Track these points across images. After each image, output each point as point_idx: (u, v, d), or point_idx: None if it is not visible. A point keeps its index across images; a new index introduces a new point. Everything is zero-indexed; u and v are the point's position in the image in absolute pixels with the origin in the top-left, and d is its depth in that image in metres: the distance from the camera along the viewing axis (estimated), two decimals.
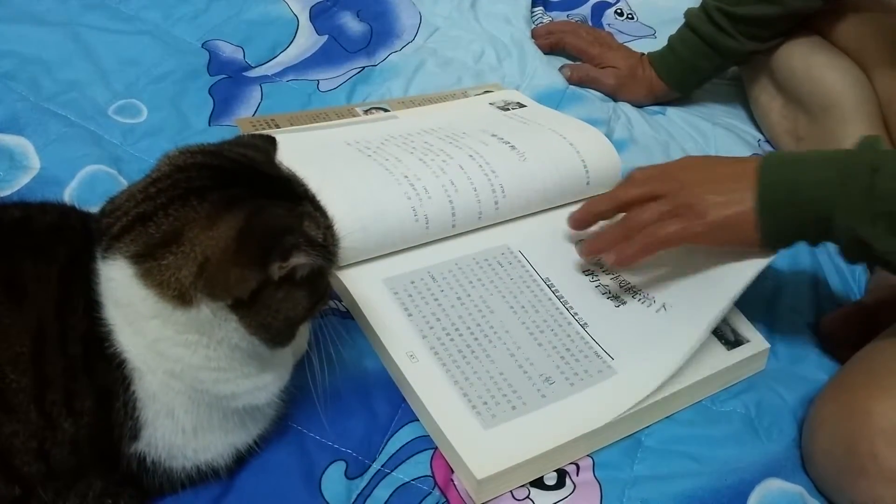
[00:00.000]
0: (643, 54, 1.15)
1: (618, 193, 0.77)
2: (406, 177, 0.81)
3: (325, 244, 0.55)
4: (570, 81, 1.14)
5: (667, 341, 0.74)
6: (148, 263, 0.51)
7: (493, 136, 0.90)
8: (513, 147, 0.88)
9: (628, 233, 0.74)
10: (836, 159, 0.69)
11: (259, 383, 0.57)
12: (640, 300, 0.78)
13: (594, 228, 0.80)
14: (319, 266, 0.54)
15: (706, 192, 0.71)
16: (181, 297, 0.51)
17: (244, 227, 0.51)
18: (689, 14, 1.10)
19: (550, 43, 1.21)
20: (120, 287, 0.52)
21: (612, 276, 0.80)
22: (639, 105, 1.14)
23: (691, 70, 1.11)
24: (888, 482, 0.62)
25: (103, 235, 0.53)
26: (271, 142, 0.61)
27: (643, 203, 0.74)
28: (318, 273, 0.55)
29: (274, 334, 0.54)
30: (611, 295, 0.79)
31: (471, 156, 0.85)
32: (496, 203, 0.84)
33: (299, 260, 0.52)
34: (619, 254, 0.74)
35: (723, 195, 0.71)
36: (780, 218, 0.70)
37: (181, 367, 0.53)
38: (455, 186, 0.82)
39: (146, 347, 0.53)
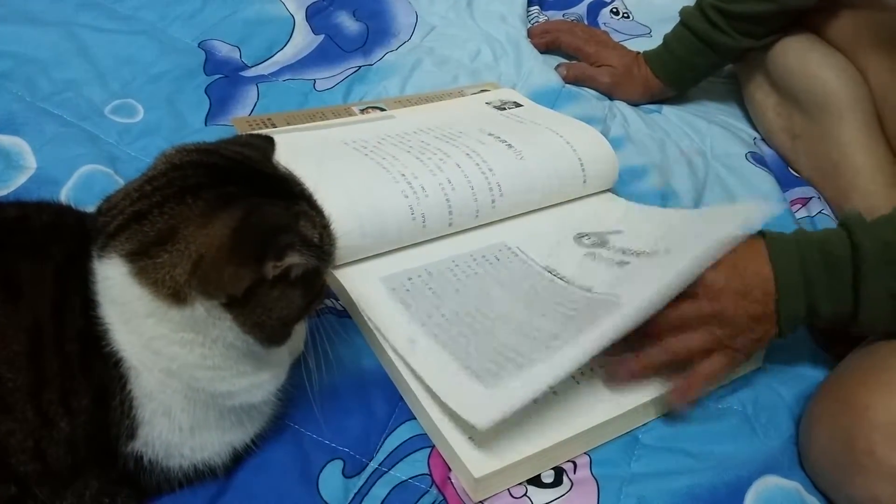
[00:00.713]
0: (639, 53, 1.16)
1: (679, 351, 0.70)
2: (403, 175, 0.81)
3: (320, 244, 0.55)
4: (566, 80, 1.14)
5: None
6: (143, 261, 0.51)
7: (490, 134, 0.90)
8: (510, 146, 0.88)
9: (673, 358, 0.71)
10: (842, 273, 0.68)
11: (255, 382, 0.57)
12: None
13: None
14: (315, 266, 0.54)
15: (746, 331, 0.70)
16: (176, 296, 0.51)
17: (239, 226, 0.51)
18: (684, 12, 1.10)
19: (546, 42, 1.21)
20: (116, 285, 0.52)
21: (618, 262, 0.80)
22: (634, 103, 1.14)
23: (687, 68, 1.12)
24: (885, 478, 0.62)
25: (99, 234, 0.53)
26: (269, 141, 0.61)
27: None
28: (313, 272, 0.55)
29: (268, 333, 0.54)
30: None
31: (468, 154, 0.85)
32: (493, 201, 0.84)
33: (294, 259, 0.52)
34: (681, 397, 0.71)
35: (757, 334, 0.70)
36: (799, 318, 0.70)
37: (177, 365, 0.53)
38: (452, 185, 0.82)
39: (142, 346, 0.53)
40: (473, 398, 0.64)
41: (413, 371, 0.69)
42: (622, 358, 0.70)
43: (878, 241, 0.67)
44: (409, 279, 0.77)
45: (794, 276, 0.69)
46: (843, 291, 0.68)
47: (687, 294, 0.69)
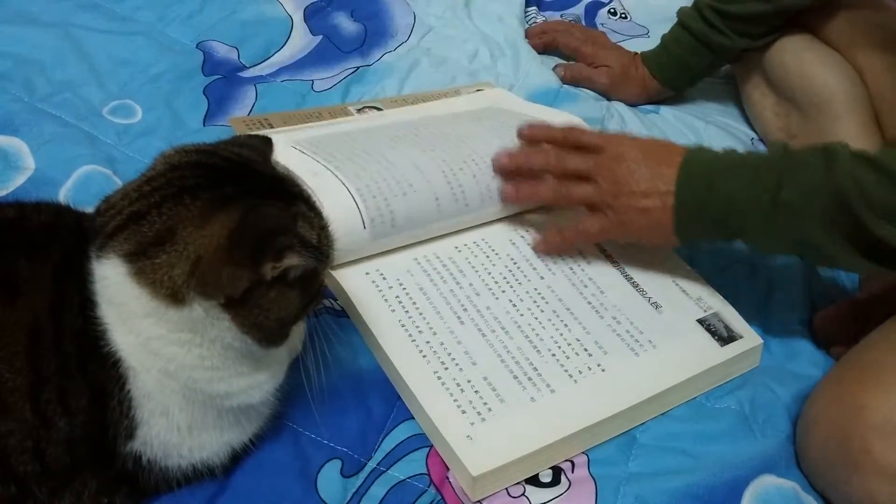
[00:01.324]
0: (636, 53, 1.16)
1: (556, 160, 0.79)
2: (404, 176, 0.81)
3: (318, 245, 0.55)
4: (564, 81, 1.14)
5: (663, 337, 0.74)
6: (141, 262, 0.51)
7: (486, 131, 0.90)
8: (506, 144, 0.88)
9: (559, 198, 0.79)
10: (745, 172, 0.72)
11: (253, 382, 0.57)
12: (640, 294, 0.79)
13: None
14: (313, 267, 0.54)
15: (630, 202, 0.75)
16: (174, 296, 0.51)
17: (237, 227, 0.51)
18: (681, 13, 1.10)
19: (544, 42, 1.21)
20: (114, 286, 0.52)
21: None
22: (632, 104, 1.14)
23: (684, 68, 1.12)
24: (882, 477, 0.63)
25: (97, 234, 0.53)
26: (267, 142, 0.61)
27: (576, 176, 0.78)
28: (311, 273, 0.55)
29: (266, 334, 0.54)
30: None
31: (465, 160, 0.85)
32: (492, 200, 0.84)
33: (292, 261, 0.52)
34: (547, 242, 0.81)
35: (646, 203, 0.74)
36: (695, 226, 0.74)
37: (175, 365, 0.53)
38: (456, 183, 0.82)
39: (140, 346, 0.53)
40: (467, 434, 0.65)
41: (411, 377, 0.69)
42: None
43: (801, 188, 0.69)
44: (408, 276, 0.77)
45: (697, 160, 0.75)
46: (740, 185, 0.72)
47: (591, 147, 0.78)
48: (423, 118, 0.94)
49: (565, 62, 1.19)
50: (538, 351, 0.72)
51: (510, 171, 0.81)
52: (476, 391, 0.68)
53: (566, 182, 0.78)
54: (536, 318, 0.76)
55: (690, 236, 0.76)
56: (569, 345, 0.73)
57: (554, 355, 0.72)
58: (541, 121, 0.86)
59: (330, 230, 0.57)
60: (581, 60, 1.18)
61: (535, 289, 0.78)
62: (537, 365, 0.71)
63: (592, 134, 0.82)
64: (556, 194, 0.78)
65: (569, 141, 0.80)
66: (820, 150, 0.70)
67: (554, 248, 0.81)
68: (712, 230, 0.74)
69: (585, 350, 0.73)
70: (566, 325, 0.75)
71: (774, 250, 0.74)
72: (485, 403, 0.67)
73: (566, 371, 0.71)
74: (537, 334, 0.74)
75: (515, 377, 0.70)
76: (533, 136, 0.83)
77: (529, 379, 0.70)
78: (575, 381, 0.70)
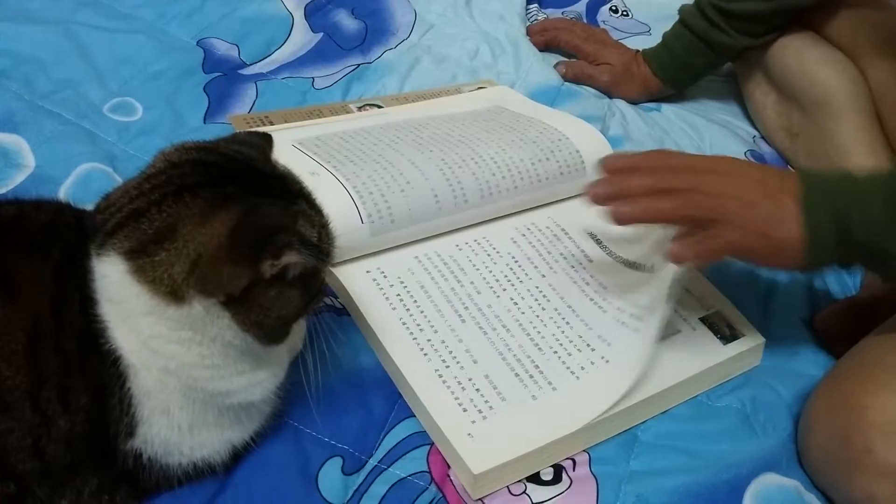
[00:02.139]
0: (638, 51, 1.16)
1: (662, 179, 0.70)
2: (401, 174, 0.81)
3: (318, 243, 0.55)
4: (565, 78, 1.14)
5: (664, 335, 0.74)
6: (141, 260, 0.51)
7: (486, 132, 0.90)
8: (506, 143, 0.88)
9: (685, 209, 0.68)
10: (878, 181, 0.66)
11: (254, 380, 0.57)
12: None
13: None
14: (313, 265, 0.54)
15: (754, 209, 0.67)
16: (174, 294, 0.51)
17: (237, 225, 0.51)
18: (683, 10, 1.10)
19: (545, 40, 1.21)
20: (113, 284, 0.52)
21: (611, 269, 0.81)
22: (633, 102, 1.14)
23: (685, 66, 1.12)
24: (883, 477, 0.62)
25: (97, 232, 0.53)
26: (267, 139, 0.61)
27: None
28: (311, 272, 0.55)
29: (266, 332, 0.54)
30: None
31: (465, 159, 0.85)
32: (492, 196, 0.84)
33: (291, 259, 0.52)
34: (692, 250, 0.69)
35: (770, 210, 0.66)
36: (829, 244, 0.66)
37: (175, 364, 0.53)
38: (455, 181, 0.82)
39: (140, 344, 0.53)
40: (469, 432, 0.65)
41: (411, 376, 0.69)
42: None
43: None
44: (408, 274, 0.77)
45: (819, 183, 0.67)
46: (875, 203, 0.65)
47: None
48: (425, 118, 0.94)
49: (566, 60, 1.19)
50: (539, 348, 0.72)
51: (607, 200, 0.70)
52: (477, 389, 0.68)
53: (680, 192, 0.68)
54: (538, 316, 0.75)
55: (819, 268, 0.70)
56: (570, 342, 0.73)
57: (556, 353, 0.72)
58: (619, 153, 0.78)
59: (330, 228, 0.57)
60: (582, 58, 1.18)
61: (537, 286, 0.78)
62: (539, 363, 0.71)
63: (683, 154, 0.75)
64: (685, 204, 0.68)
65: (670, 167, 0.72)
66: None
67: (681, 260, 0.70)
68: (842, 260, 0.68)
69: (588, 346, 0.73)
70: (567, 323, 0.75)
71: None
72: (486, 401, 0.67)
73: (568, 368, 0.71)
74: (538, 332, 0.74)
75: (517, 375, 0.70)
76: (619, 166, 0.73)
77: (531, 376, 0.70)
78: (577, 377, 0.70)
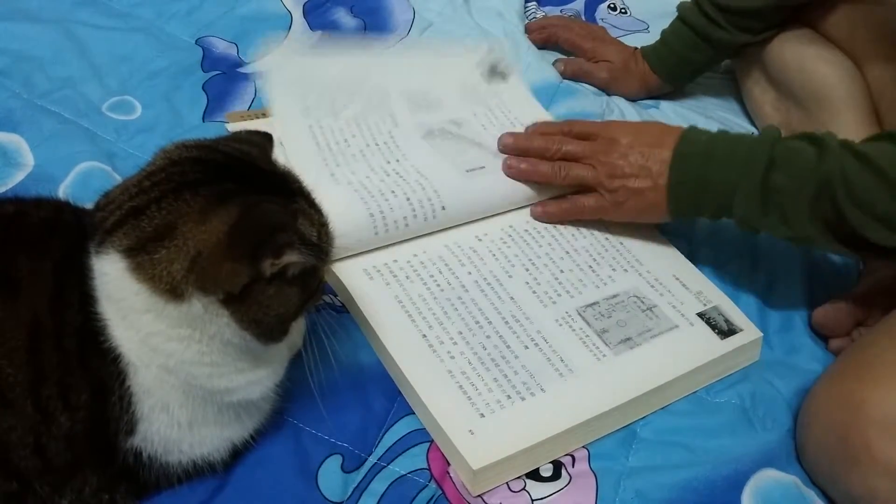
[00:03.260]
0: (636, 48, 1.15)
1: (553, 143, 0.84)
2: (399, 173, 0.81)
3: (318, 242, 0.55)
4: (564, 76, 1.14)
5: (663, 331, 0.75)
6: (140, 257, 0.51)
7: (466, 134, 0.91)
8: (485, 147, 0.89)
9: (556, 176, 0.84)
10: (738, 153, 0.76)
11: (253, 378, 0.57)
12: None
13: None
14: (312, 264, 0.54)
15: (624, 184, 0.80)
16: (173, 291, 0.51)
17: (237, 223, 0.51)
18: (681, 7, 1.10)
19: (544, 37, 1.21)
20: (113, 281, 0.52)
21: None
22: (632, 99, 1.14)
23: (684, 62, 1.12)
24: (881, 472, 0.62)
25: (97, 229, 0.53)
26: (267, 138, 0.61)
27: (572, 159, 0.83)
28: (310, 270, 0.55)
29: (265, 330, 0.54)
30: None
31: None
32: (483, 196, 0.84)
33: (291, 258, 0.52)
34: (544, 209, 0.86)
35: (639, 184, 0.79)
36: (686, 205, 0.79)
37: (174, 361, 0.53)
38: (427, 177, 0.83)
39: (140, 342, 0.53)
40: (468, 428, 0.65)
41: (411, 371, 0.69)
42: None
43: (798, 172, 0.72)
44: (405, 275, 0.77)
45: (694, 138, 0.79)
46: (733, 162, 0.76)
47: (588, 135, 0.84)
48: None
49: (565, 57, 1.18)
50: (538, 346, 0.72)
51: (512, 153, 0.87)
52: (477, 386, 0.68)
53: (564, 163, 0.84)
54: (538, 312, 0.75)
55: (682, 215, 0.80)
56: (571, 339, 0.73)
57: (555, 350, 0.72)
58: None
59: (330, 227, 0.57)
60: (581, 55, 1.17)
61: (537, 282, 0.78)
62: (538, 359, 0.71)
63: (587, 122, 0.90)
64: (553, 171, 0.84)
65: (566, 130, 0.87)
66: (811, 137, 0.74)
67: (551, 216, 0.85)
68: (703, 209, 0.79)
69: (586, 345, 0.73)
70: (568, 321, 0.75)
71: (756, 230, 0.77)
72: (486, 398, 0.67)
73: (565, 366, 0.71)
74: (538, 330, 0.74)
75: (516, 371, 0.70)
76: (535, 130, 0.89)
77: (528, 372, 0.70)
78: (578, 374, 0.70)
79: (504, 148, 0.88)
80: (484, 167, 0.87)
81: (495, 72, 1.02)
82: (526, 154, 0.86)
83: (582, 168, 0.82)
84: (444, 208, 0.82)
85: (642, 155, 0.79)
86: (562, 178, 0.83)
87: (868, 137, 0.75)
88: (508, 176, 0.86)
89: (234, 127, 0.92)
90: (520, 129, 0.92)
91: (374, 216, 0.78)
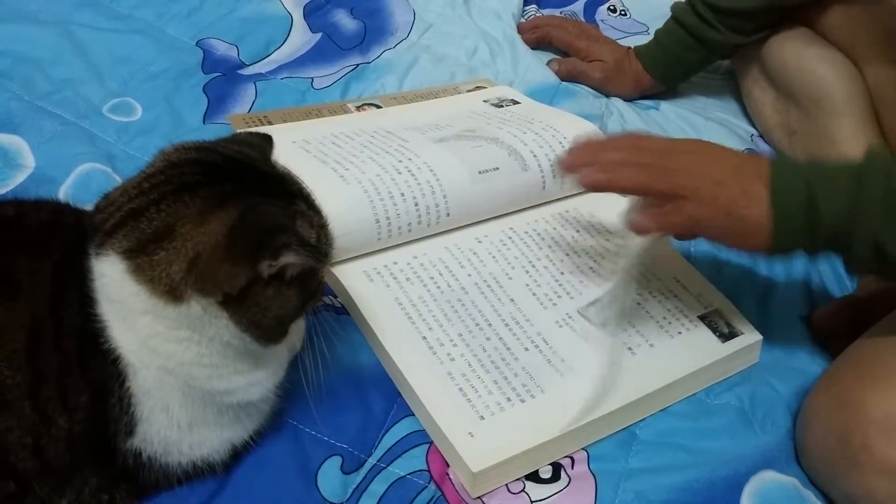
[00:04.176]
0: (629, 48, 1.16)
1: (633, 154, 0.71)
2: (403, 171, 0.81)
3: (317, 244, 0.55)
4: (558, 75, 1.14)
5: (663, 333, 0.75)
6: (139, 259, 0.51)
7: (482, 134, 0.90)
8: (503, 143, 0.88)
9: (652, 179, 0.69)
10: (847, 168, 0.66)
11: (252, 380, 0.57)
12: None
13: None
14: (311, 266, 0.54)
15: (722, 187, 0.67)
16: (172, 293, 0.51)
17: (236, 224, 0.51)
18: (675, 7, 1.10)
19: (537, 37, 1.21)
20: (112, 283, 0.52)
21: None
22: (626, 98, 1.14)
23: (677, 62, 1.12)
24: (880, 473, 0.63)
25: (97, 231, 0.53)
26: (267, 139, 0.61)
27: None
28: (309, 272, 0.55)
29: (264, 331, 0.54)
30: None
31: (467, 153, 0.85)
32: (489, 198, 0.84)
33: (289, 259, 0.52)
34: (636, 225, 0.71)
35: (738, 192, 0.67)
36: (795, 227, 0.66)
37: (174, 363, 0.53)
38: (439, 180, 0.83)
39: (139, 343, 0.53)
40: (467, 430, 0.65)
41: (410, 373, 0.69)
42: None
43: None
44: (405, 277, 0.77)
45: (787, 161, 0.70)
46: (842, 181, 0.65)
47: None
48: (430, 124, 0.94)
49: (558, 57, 1.19)
50: (538, 348, 0.72)
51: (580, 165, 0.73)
52: (477, 388, 0.68)
53: (658, 166, 0.69)
54: (538, 314, 0.75)
55: (785, 247, 0.68)
56: (571, 341, 0.73)
57: (555, 352, 0.72)
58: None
59: (329, 229, 0.57)
60: (574, 55, 1.18)
61: (537, 284, 0.78)
62: (538, 361, 0.71)
63: (653, 136, 0.79)
64: (650, 176, 0.69)
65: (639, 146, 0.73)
66: None
67: (642, 230, 0.71)
68: (814, 235, 0.66)
69: (586, 346, 0.73)
70: (568, 322, 0.75)
71: (878, 257, 0.65)
72: (485, 400, 0.68)
73: (568, 367, 0.71)
74: (538, 332, 0.74)
75: (516, 374, 0.70)
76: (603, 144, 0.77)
77: (528, 374, 0.70)
78: (577, 377, 0.70)
79: (568, 166, 0.73)
80: (498, 168, 0.85)
81: (503, 101, 1.02)
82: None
83: (671, 174, 0.69)
84: (448, 215, 0.81)
85: (737, 178, 0.67)
86: (658, 180, 0.69)
87: None
88: (585, 186, 0.73)
89: (238, 130, 0.92)
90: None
91: (380, 222, 0.78)
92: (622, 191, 0.72)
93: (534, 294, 0.77)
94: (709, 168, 0.68)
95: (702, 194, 0.67)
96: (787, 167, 0.68)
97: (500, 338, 0.73)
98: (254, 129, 0.88)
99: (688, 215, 0.67)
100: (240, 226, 0.51)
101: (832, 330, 0.82)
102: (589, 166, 0.71)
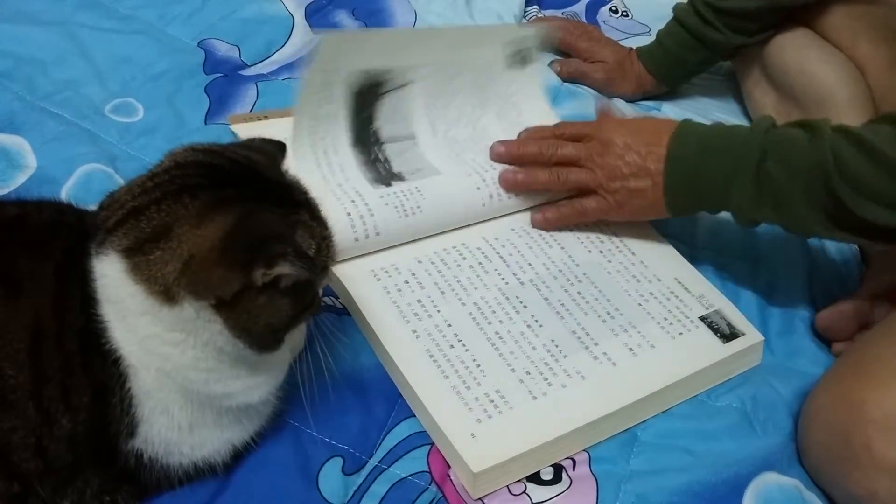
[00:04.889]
0: (631, 48, 1.16)
1: (548, 148, 0.83)
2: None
3: (315, 256, 0.54)
4: (560, 76, 1.14)
5: (665, 334, 0.75)
6: (137, 258, 0.51)
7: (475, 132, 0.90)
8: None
9: (554, 183, 0.83)
10: (732, 147, 0.76)
11: (251, 384, 0.57)
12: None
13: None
14: (305, 278, 0.53)
15: (624, 185, 0.79)
16: (166, 294, 0.51)
17: (232, 229, 0.51)
18: (677, 8, 1.10)
19: None
20: (112, 283, 0.52)
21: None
22: (627, 99, 1.14)
23: (678, 63, 1.12)
24: (882, 473, 0.62)
25: (99, 229, 0.53)
26: (280, 147, 0.61)
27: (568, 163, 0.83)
28: (304, 283, 0.54)
29: (257, 339, 0.53)
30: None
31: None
32: (491, 196, 0.84)
33: (284, 270, 0.51)
34: (544, 216, 0.84)
35: (638, 183, 0.79)
36: (684, 200, 0.79)
37: (171, 365, 0.53)
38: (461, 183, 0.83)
39: (139, 344, 0.53)
40: (469, 431, 0.65)
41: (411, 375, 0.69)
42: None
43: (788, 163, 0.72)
44: (405, 279, 0.77)
45: (688, 130, 0.79)
46: (726, 153, 0.76)
47: (582, 136, 0.83)
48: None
49: (560, 58, 1.19)
50: (535, 349, 0.72)
51: (506, 162, 0.86)
52: (478, 389, 0.68)
53: (562, 168, 0.82)
54: (541, 316, 0.75)
55: (682, 212, 0.81)
56: (572, 342, 0.73)
57: (553, 356, 0.72)
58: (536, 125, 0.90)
59: (332, 242, 0.57)
60: (577, 56, 1.17)
61: (543, 283, 0.79)
62: (538, 363, 0.71)
63: (580, 124, 0.88)
64: (552, 178, 0.83)
65: (559, 133, 0.86)
66: (804, 124, 0.74)
67: (552, 223, 0.84)
68: (702, 203, 0.79)
69: (587, 348, 0.73)
70: (575, 323, 0.75)
71: (755, 221, 0.77)
72: (487, 400, 0.67)
73: (565, 370, 0.71)
74: (536, 335, 0.74)
75: (518, 378, 0.70)
76: (527, 136, 0.88)
77: (530, 375, 0.70)
78: (583, 377, 0.70)
79: (497, 157, 0.86)
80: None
81: (518, 56, 1.00)
82: (520, 161, 0.85)
83: (580, 172, 0.82)
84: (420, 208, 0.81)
85: (639, 154, 0.79)
86: (561, 183, 0.82)
87: (868, 121, 0.76)
88: (506, 189, 0.84)
89: (237, 129, 0.92)
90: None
91: (355, 224, 0.77)
92: (535, 190, 0.85)
93: (546, 299, 0.77)
94: (616, 160, 0.79)
95: (609, 191, 0.80)
96: (685, 133, 0.79)
97: (500, 339, 0.73)
98: (253, 126, 0.89)
99: (595, 209, 0.82)
100: (236, 231, 0.51)
101: (836, 331, 0.82)
102: (512, 161, 0.85)
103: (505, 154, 0.86)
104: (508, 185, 0.84)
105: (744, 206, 0.75)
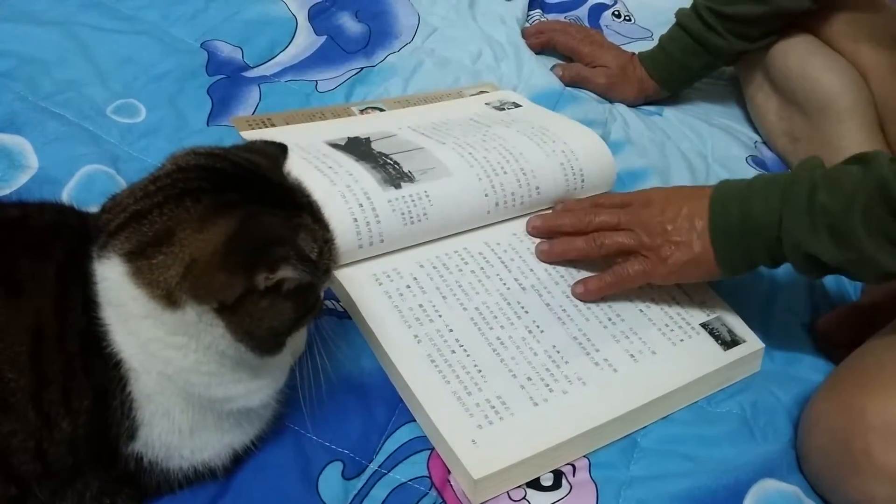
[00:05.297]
0: (634, 53, 1.16)
1: (584, 216, 0.80)
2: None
3: (317, 259, 0.54)
4: (563, 81, 1.14)
5: (665, 341, 0.75)
6: (139, 262, 0.51)
7: (486, 137, 0.90)
8: (506, 148, 0.88)
9: (592, 249, 0.78)
10: (777, 184, 0.72)
11: (252, 388, 0.57)
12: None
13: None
14: (308, 281, 0.53)
15: (666, 239, 0.75)
16: (168, 298, 0.51)
17: (234, 233, 0.51)
18: (679, 13, 1.10)
19: (541, 42, 1.21)
20: (114, 286, 0.52)
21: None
22: (629, 104, 1.14)
23: (681, 68, 1.12)
24: (881, 479, 0.63)
25: (101, 232, 0.53)
26: (282, 150, 0.60)
27: (607, 229, 0.78)
28: (307, 287, 0.54)
29: (259, 343, 0.53)
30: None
31: (464, 155, 0.85)
32: (497, 203, 0.84)
33: (286, 273, 0.51)
34: (586, 288, 0.78)
35: (681, 237, 0.74)
36: (734, 250, 0.73)
37: (172, 369, 0.53)
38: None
39: (140, 348, 0.53)
40: (469, 437, 0.65)
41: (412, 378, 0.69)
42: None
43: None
44: (407, 284, 0.77)
45: (726, 188, 0.75)
46: (772, 197, 0.71)
47: (621, 204, 0.80)
48: (443, 121, 0.94)
49: (563, 63, 1.19)
50: (537, 355, 0.72)
51: (543, 235, 0.83)
52: (479, 395, 0.68)
53: (599, 233, 0.78)
54: (540, 324, 0.75)
55: (734, 265, 0.74)
56: (573, 348, 0.73)
57: (554, 362, 0.72)
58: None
59: (334, 245, 0.57)
60: (579, 60, 1.18)
61: (545, 288, 0.78)
62: (539, 369, 0.71)
63: (618, 194, 0.85)
64: (589, 245, 0.78)
65: (597, 202, 0.83)
66: (856, 158, 0.70)
67: (594, 294, 0.78)
68: (753, 251, 0.73)
69: (588, 354, 0.73)
70: (577, 329, 0.75)
71: (816, 258, 0.69)
72: (488, 406, 0.67)
73: (566, 376, 0.71)
74: (537, 341, 0.74)
75: (520, 385, 0.70)
76: (562, 208, 0.86)
77: (531, 381, 0.70)
78: (584, 383, 0.70)
79: (534, 231, 0.84)
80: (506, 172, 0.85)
81: (505, 104, 1.02)
82: (558, 233, 0.82)
83: (619, 234, 0.77)
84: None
85: (679, 207, 0.75)
86: (598, 248, 0.78)
87: None
88: (543, 261, 0.81)
89: (246, 136, 0.91)
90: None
91: (360, 229, 0.77)
92: (574, 258, 0.81)
93: (547, 305, 0.77)
94: (657, 217, 0.75)
95: (652, 249, 0.75)
96: (723, 191, 0.75)
97: (502, 345, 0.73)
98: (257, 129, 0.90)
99: (639, 272, 0.76)
100: (239, 235, 0.51)
101: (836, 338, 0.82)
102: (548, 233, 0.83)
103: (542, 227, 0.83)
104: (545, 257, 0.81)
105: (798, 240, 0.69)
